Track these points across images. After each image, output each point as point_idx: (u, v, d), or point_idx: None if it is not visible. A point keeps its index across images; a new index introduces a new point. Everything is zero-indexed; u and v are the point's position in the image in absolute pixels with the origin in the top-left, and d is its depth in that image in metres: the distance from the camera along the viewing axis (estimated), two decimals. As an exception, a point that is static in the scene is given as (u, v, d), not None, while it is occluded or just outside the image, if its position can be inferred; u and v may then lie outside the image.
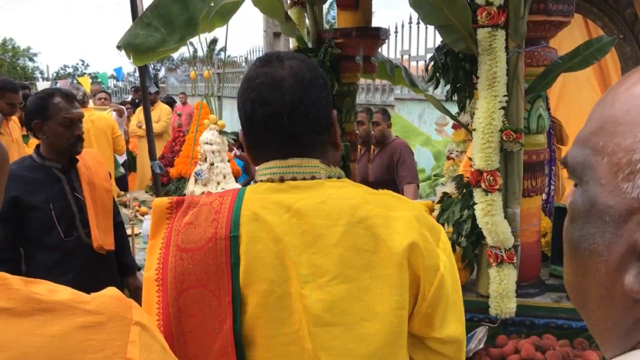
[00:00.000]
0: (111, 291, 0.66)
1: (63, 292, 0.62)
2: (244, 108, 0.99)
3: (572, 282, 0.52)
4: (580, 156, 0.48)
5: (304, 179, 0.97)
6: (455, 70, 1.77)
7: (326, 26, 2.62)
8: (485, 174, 1.68)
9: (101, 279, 2.40)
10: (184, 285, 0.93)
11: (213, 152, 4.61)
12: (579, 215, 0.49)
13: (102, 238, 2.38)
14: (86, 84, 8.33)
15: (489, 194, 1.69)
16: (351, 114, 2.56)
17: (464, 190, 1.85)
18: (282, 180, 0.97)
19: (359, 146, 4.05)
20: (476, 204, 1.73)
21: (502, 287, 1.73)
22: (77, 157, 2.39)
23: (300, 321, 0.90)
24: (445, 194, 2.03)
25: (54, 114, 2.26)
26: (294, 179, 0.97)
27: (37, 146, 2.37)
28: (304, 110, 0.96)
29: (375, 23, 2.63)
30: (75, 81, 19.83)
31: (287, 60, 0.99)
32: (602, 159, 0.45)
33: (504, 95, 1.67)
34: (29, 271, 2.30)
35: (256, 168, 1.03)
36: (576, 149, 0.49)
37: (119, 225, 2.59)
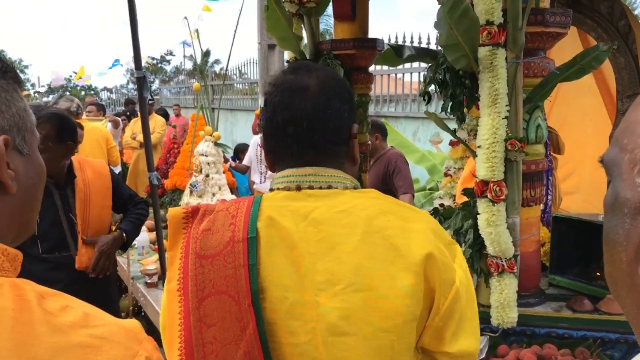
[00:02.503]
0: (131, 323, 0.65)
1: (74, 313, 0.61)
2: (266, 112, 1.00)
3: (607, 272, 0.57)
4: (611, 154, 0.52)
5: (321, 187, 0.97)
6: (455, 86, 1.79)
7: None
8: (491, 185, 1.68)
9: (91, 298, 2.37)
10: (204, 293, 0.92)
11: (208, 163, 4.60)
12: (608, 209, 0.53)
13: (87, 260, 2.34)
14: (81, 72, 8.29)
15: (495, 204, 1.69)
16: (363, 125, 2.57)
17: (469, 201, 1.85)
18: (298, 188, 0.97)
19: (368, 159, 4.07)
20: (479, 214, 1.73)
21: (503, 297, 1.73)
22: (76, 172, 2.36)
23: (314, 330, 0.89)
24: (442, 205, 2.03)
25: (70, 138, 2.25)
26: (311, 187, 0.97)
27: None
28: (323, 119, 0.97)
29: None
30: (68, 92, 19.80)
31: (315, 70, 1.01)
32: (625, 155, 0.49)
33: (507, 111, 1.68)
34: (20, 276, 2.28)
35: (273, 175, 1.03)
36: (609, 148, 0.53)
37: (134, 209, 2.57)
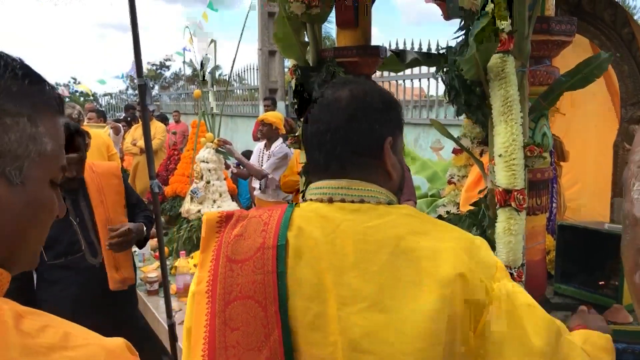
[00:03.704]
0: (114, 342, 0.63)
1: (54, 333, 0.59)
2: (302, 125, 1.05)
3: (626, 280, 0.59)
4: (625, 172, 0.56)
5: (353, 201, 0.97)
6: (467, 93, 1.78)
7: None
8: (514, 193, 1.67)
9: (108, 296, 2.41)
10: (231, 297, 0.93)
11: (209, 170, 4.59)
12: (621, 223, 0.58)
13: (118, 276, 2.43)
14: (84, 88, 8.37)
15: (519, 212, 1.68)
16: None
17: (477, 209, 1.84)
18: (330, 201, 0.98)
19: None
20: (498, 222, 1.71)
21: (511, 307, 1.71)
22: (87, 176, 2.38)
23: (336, 343, 0.88)
24: (448, 212, 2.02)
25: None
26: (343, 200, 0.97)
27: None
28: (347, 131, 0.97)
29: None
30: (67, 99, 19.81)
31: (352, 84, 1.02)
32: (629, 172, 0.54)
33: (521, 117, 1.67)
34: (37, 283, 2.33)
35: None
36: (627, 166, 0.57)
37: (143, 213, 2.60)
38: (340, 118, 0.97)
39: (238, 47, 4.46)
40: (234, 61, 4.66)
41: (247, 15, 4.35)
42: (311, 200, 1.01)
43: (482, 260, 0.93)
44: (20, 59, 0.70)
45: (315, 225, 0.95)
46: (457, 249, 0.91)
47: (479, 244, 0.97)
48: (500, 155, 1.68)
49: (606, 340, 1.12)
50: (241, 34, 4.35)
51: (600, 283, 2.07)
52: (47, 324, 0.60)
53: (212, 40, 4.40)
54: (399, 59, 2.28)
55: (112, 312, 2.48)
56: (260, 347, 0.90)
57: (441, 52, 1.94)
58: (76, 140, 2.32)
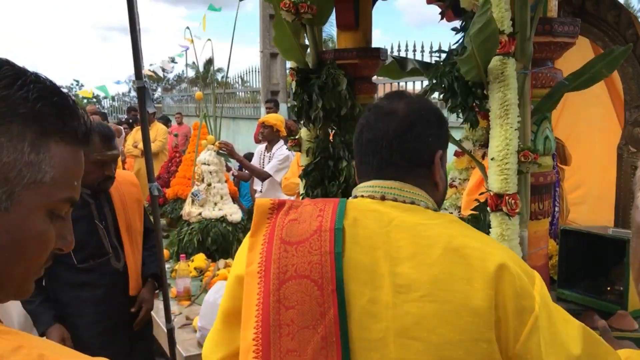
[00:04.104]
0: None
1: (26, 355, 0.56)
2: (356, 130, 1.10)
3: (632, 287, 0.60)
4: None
5: (404, 201, 1.02)
6: (465, 95, 1.75)
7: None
8: (506, 198, 1.64)
9: (124, 302, 2.45)
10: (286, 276, 0.95)
11: (210, 172, 4.57)
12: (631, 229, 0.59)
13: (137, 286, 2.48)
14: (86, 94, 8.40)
15: (510, 218, 1.65)
16: None
17: (478, 213, 1.81)
18: (383, 198, 1.02)
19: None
20: (491, 227, 1.69)
21: (513, 313, 1.68)
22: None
23: (387, 329, 0.91)
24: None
25: (87, 152, 2.24)
26: (395, 199, 1.02)
27: None
28: (403, 140, 1.03)
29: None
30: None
31: (407, 97, 1.09)
32: (636, 178, 0.56)
33: (518, 122, 1.65)
34: (51, 286, 2.34)
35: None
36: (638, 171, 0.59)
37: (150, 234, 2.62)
38: (399, 128, 1.03)
39: (231, 49, 4.45)
40: (229, 62, 4.64)
41: (235, 19, 4.34)
42: (362, 196, 1.05)
43: (525, 269, 0.96)
44: (50, 82, 0.67)
45: (369, 217, 0.98)
46: (504, 256, 0.94)
47: (516, 255, 1.01)
48: (492, 159, 1.66)
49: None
50: (232, 36, 4.35)
51: (607, 289, 2.04)
52: (20, 345, 0.57)
53: (208, 40, 4.39)
54: (400, 67, 2.26)
55: (131, 316, 2.53)
56: (315, 325, 0.92)
57: (442, 59, 1.91)
58: (113, 140, 2.36)
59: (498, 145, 1.65)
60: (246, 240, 1.04)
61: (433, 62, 2.05)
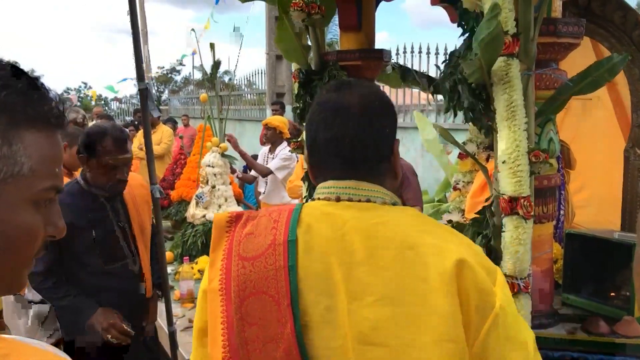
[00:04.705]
0: None
1: None
2: (309, 130, 1.04)
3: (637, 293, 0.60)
4: None
5: (360, 200, 1.00)
6: (471, 97, 1.73)
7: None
8: (521, 200, 1.61)
9: (140, 305, 2.47)
10: (246, 293, 0.95)
11: (215, 174, 4.57)
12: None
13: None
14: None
15: (527, 221, 1.62)
16: None
17: (480, 217, 1.79)
18: (338, 199, 1.01)
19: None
20: (504, 231, 1.66)
21: (519, 319, 1.66)
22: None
23: (345, 337, 0.91)
24: (450, 221, 1.96)
25: (99, 154, 2.24)
26: (350, 199, 1.00)
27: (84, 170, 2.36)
28: (365, 137, 1.00)
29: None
30: (79, 103, 19.93)
31: (356, 87, 1.04)
32: None
33: (525, 122, 1.62)
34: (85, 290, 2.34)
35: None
36: None
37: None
38: (358, 125, 0.99)
39: (239, 54, 4.44)
40: (236, 65, 4.64)
41: (247, 20, 4.32)
42: (319, 199, 1.03)
43: (485, 264, 0.94)
44: (13, 67, 0.64)
45: (323, 222, 0.98)
46: (461, 250, 0.92)
47: (479, 249, 1.00)
48: (504, 162, 1.63)
49: None
50: (241, 43, 4.34)
51: (612, 294, 2.00)
52: (8, 353, 0.56)
53: (211, 44, 4.39)
54: (400, 76, 2.24)
55: (142, 319, 2.56)
56: (277, 339, 0.92)
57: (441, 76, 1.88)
58: (126, 143, 2.36)
59: (508, 148, 1.61)
60: (210, 257, 1.03)
61: (439, 64, 2.03)
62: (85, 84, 29.53)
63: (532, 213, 1.64)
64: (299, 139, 2.59)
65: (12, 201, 0.62)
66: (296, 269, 0.93)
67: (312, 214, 1.00)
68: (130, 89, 21.02)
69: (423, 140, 5.90)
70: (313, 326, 0.92)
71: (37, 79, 0.67)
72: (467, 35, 1.82)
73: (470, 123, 1.89)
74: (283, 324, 0.92)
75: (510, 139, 1.61)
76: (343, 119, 1.00)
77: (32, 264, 0.68)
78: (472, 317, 0.88)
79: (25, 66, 0.69)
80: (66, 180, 3.36)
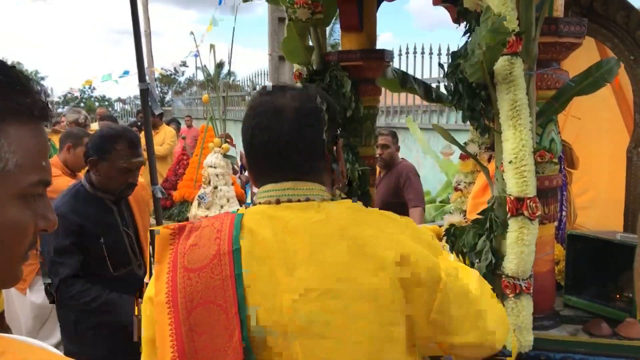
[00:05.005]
0: None
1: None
2: (245, 134, 1.07)
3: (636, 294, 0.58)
4: None
5: (299, 200, 1.04)
6: (471, 97, 1.72)
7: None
8: (527, 201, 1.60)
9: None
10: (193, 304, 0.97)
11: (217, 175, 4.57)
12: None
13: None
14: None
15: (532, 221, 1.61)
16: (371, 138, 2.50)
17: (481, 218, 1.77)
18: (278, 202, 1.04)
19: (379, 170, 3.99)
20: (509, 232, 1.65)
21: (520, 320, 1.64)
22: None
23: (293, 334, 0.95)
24: (452, 225, 1.95)
25: (113, 158, 2.19)
26: (290, 200, 1.04)
27: (88, 172, 2.30)
28: (300, 139, 1.03)
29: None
30: (82, 104, 19.97)
31: (289, 90, 1.08)
32: None
33: (530, 122, 1.61)
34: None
35: (255, 190, 1.10)
36: None
37: None
38: (294, 126, 1.02)
39: (231, 53, 4.45)
40: (223, 64, 4.64)
41: (234, 21, 4.33)
42: (260, 203, 1.06)
43: (424, 240, 1.03)
44: None
45: (265, 226, 1.00)
46: (400, 236, 0.99)
47: (415, 226, 1.07)
48: (510, 162, 1.61)
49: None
50: (231, 45, 4.35)
51: (616, 295, 1.99)
52: (4, 351, 0.55)
53: (211, 45, 4.40)
54: (400, 81, 2.23)
55: None
56: (225, 347, 0.95)
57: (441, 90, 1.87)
58: (139, 146, 2.32)
59: (514, 148, 1.60)
60: (154, 270, 1.05)
61: (442, 64, 2.01)
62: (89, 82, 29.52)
63: (538, 214, 1.63)
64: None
65: (1, 198, 0.62)
66: (242, 277, 0.96)
67: (253, 219, 1.02)
68: (134, 89, 21.01)
69: (419, 143, 5.89)
70: (264, 330, 0.96)
71: (17, 70, 0.66)
72: (468, 34, 1.81)
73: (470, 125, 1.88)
74: (231, 332, 0.95)
75: (516, 139, 1.59)
76: (278, 121, 1.02)
77: (26, 258, 0.68)
78: (423, 295, 0.97)
79: (28, 67, 0.67)
80: (70, 181, 3.36)
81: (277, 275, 0.96)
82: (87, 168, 2.33)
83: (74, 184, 2.40)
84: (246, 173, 5.34)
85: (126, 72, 9.85)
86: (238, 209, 1.09)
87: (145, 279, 2.37)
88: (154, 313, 1.01)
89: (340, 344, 0.94)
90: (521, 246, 1.64)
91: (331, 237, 0.97)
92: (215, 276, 0.97)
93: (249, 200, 6.16)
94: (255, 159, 1.07)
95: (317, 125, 1.05)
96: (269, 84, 1.17)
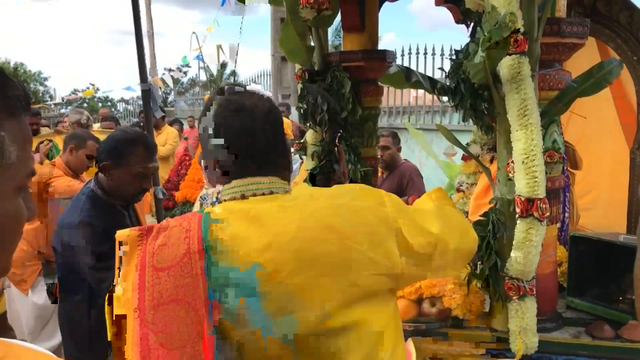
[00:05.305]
0: None
1: None
2: (204, 131, 1.12)
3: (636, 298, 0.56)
4: None
5: (263, 194, 1.09)
6: (474, 97, 1.71)
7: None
8: (537, 202, 1.59)
9: None
10: (160, 302, 1.00)
11: (219, 176, 4.55)
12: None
13: None
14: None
15: (541, 223, 1.60)
16: (372, 139, 2.49)
17: (484, 219, 1.77)
18: (243, 197, 1.09)
19: (381, 171, 3.98)
20: (517, 232, 1.65)
21: (525, 322, 1.64)
22: None
23: (267, 316, 0.99)
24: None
25: (130, 163, 2.11)
26: (254, 194, 1.09)
27: (97, 174, 2.22)
28: (267, 136, 1.10)
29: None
30: (86, 104, 20.01)
31: (251, 92, 1.16)
32: None
33: (539, 121, 1.60)
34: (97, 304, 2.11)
35: (220, 189, 1.16)
36: None
37: None
38: (263, 123, 1.10)
39: (237, 57, 4.45)
40: (226, 64, 4.65)
41: (241, 25, 4.31)
42: (225, 200, 1.11)
43: (369, 193, 1.13)
44: None
45: (231, 220, 1.05)
46: (349, 200, 1.09)
47: (359, 186, 1.17)
48: (523, 162, 1.60)
49: (441, 191, 1.46)
50: (238, 46, 4.35)
51: (619, 298, 1.98)
52: (5, 355, 0.56)
53: (218, 46, 4.40)
54: (405, 77, 2.23)
55: None
56: (182, 345, 0.98)
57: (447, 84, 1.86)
58: (155, 151, 2.26)
59: (525, 148, 1.59)
60: (122, 270, 1.08)
61: (443, 67, 2.01)
62: (92, 85, 29.59)
63: (547, 215, 1.62)
64: (302, 141, 2.58)
65: (4, 190, 0.64)
66: (211, 273, 1.01)
67: (220, 214, 1.07)
68: (137, 90, 21.02)
69: (420, 145, 5.87)
70: (234, 319, 1.00)
71: (2, 66, 0.70)
72: (470, 35, 1.81)
73: (474, 124, 1.87)
74: (194, 327, 0.99)
75: (528, 139, 1.58)
76: (247, 119, 1.09)
77: (16, 247, 0.71)
78: (390, 238, 1.07)
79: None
80: (70, 180, 3.35)
81: (247, 264, 1.00)
82: (95, 172, 2.26)
83: (82, 190, 2.32)
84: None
85: (129, 88, 9.90)
86: (204, 209, 1.12)
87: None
88: (124, 311, 1.03)
89: (319, 317, 1.00)
90: (529, 247, 1.63)
91: (292, 218, 1.04)
92: (185, 274, 1.01)
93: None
94: (219, 157, 1.12)
95: (279, 122, 1.14)
96: (228, 85, 1.21)
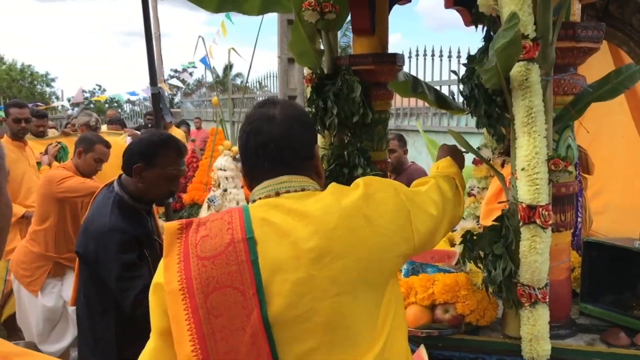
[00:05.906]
0: None
1: None
2: (241, 140, 1.23)
3: None
4: None
5: (296, 191, 1.17)
6: (488, 103, 1.69)
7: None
8: (540, 209, 1.58)
9: None
10: (209, 289, 1.05)
11: (227, 178, 4.57)
12: None
13: None
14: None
15: (545, 230, 1.59)
16: (383, 142, 2.48)
17: (497, 224, 1.75)
18: (277, 194, 1.17)
19: (389, 174, 3.97)
20: (522, 240, 1.63)
21: (537, 329, 1.62)
22: None
23: (314, 299, 1.06)
24: (468, 232, 1.91)
25: (161, 165, 2.10)
26: (288, 191, 1.17)
27: (120, 177, 2.20)
28: (289, 140, 1.19)
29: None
30: (92, 105, 20.07)
31: (279, 103, 1.25)
32: None
33: (545, 129, 1.58)
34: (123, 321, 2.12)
35: (252, 191, 1.22)
36: None
37: None
38: (282, 130, 1.19)
39: (252, 59, 4.44)
40: (232, 66, 4.65)
41: (259, 29, 4.32)
42: (260, 199, 1.18)
43: (372, 184, 1.21)
44: None
45: (272, 213, 1.12)
46: (359, 196, 1.16)
47: (376, 178, 1.27)
48: (523, 169, 1.59)
49: (448, 161, 1.68)
50: (254, 49, 4.35)
51: (634, 304, 1.95)
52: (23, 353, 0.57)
53: (231, 48, 4.40)
54: (411, 86, 2.21)
55: None
56: (243, 326, 1.04)
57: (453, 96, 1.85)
58: (185, 155, 2.26)
59: (527, 155, 1.58)
60: (161, 262, 1.13)
61: (455, 70, 1.99)
62: (99, 86, 29.70)
63: (551, 222, 1.60)
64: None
65: (4, 186, 0.76)
66: (257, 262, 1.06)
67: (259, 209, 1.14)
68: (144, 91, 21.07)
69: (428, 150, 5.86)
70: (283, 302, 1.05)
71: None
72: (483, 40, 1.79)
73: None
74: (249, 311, 1.04)
75: (530, 146, 1.57)
76: (269, 126, 1.18)
77: None
78: (406, 223, 1.20)
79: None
80: (79, 180, 3.35)
81: (293, 250, 1.07)
82: (119, 175, 2.22)
83: (105, 194, 2.23)
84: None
85: (133, 93, 9.94)
86: (242, 205, 1.19)
87: None
88: (167, 302, 1.08)
89: (359, 300, 1.08)
90: (534, 255, 1.61)
91: (332, 208, 1.11)
92: (231, 261, 1.06)
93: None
94: (250, 160, 1.21)
95: (303, 131, 1.23)
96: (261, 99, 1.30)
